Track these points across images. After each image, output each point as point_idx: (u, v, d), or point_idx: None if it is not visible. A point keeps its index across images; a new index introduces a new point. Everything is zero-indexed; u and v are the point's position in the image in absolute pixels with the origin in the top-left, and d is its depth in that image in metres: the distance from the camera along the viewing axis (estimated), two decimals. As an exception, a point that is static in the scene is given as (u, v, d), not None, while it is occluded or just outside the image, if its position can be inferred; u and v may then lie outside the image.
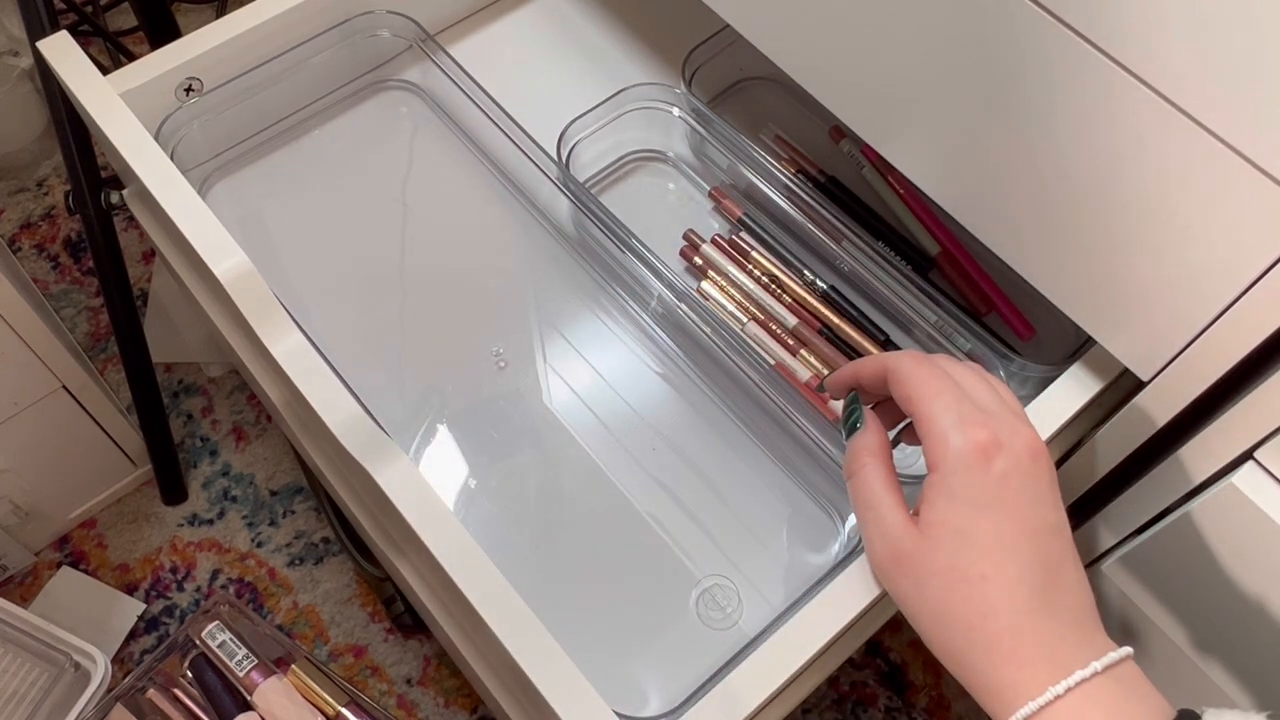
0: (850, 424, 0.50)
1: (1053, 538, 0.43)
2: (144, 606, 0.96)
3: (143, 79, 0.64)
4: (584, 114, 0.67)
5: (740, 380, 0.61)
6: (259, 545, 0.99)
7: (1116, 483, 0.59)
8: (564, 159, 0.66)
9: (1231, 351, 0.47)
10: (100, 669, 0.83)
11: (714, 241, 0.66)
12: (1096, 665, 0.40)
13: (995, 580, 0.42)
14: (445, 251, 0.68)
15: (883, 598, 0.50)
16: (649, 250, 0.62)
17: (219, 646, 0.77)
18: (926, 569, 0.44)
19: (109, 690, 0.82)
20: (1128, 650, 0.42)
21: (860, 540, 0.54)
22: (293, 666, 0.77)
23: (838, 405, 0.59)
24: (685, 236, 0.67)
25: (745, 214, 0.67)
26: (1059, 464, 0.62)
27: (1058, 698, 0.40)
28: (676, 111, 0.69)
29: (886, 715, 0.90)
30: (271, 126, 0.72)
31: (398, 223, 0.69)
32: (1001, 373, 0.59)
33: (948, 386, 0.45)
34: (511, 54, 0.77)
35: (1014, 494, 0.43)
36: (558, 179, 0.66)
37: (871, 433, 0.48)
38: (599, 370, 0.63)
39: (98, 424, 0.93)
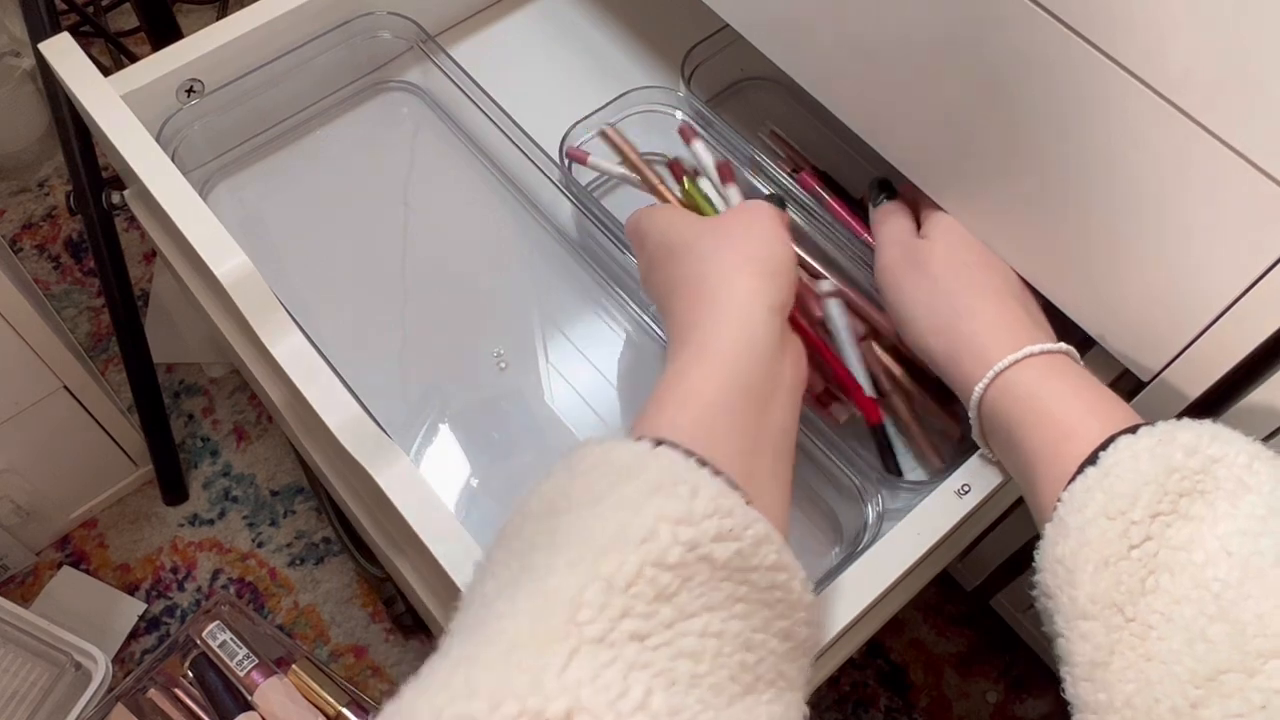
0: (878, 199, 0.61)
1: (1006, 267, 0.55)
2: (145, 606, 0.96)
3: (144, 80, 0.64)
4: (586, 117, 0.67)
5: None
6: (260, 545, 0.99)
7: (1117, 483, 0.59)
8: (566, 162, 0.66)
9: (1231, 352, 0.47)
10: (101, 669, 0.83)
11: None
12: (1066, 345, 0.49)
13: (979, 268, 0.53)
14: (446, 252, 0.68)
15: (883, 598, 0.50)
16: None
17: (220, 646, 0.77)
18: (928, 258, 0.54)
19: (110, 690, 0.82)
20: (1068, 347, 0.50)
21: (861, 542, 0.54)
22: (293, 666, 0.77)
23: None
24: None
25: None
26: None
27: (1037, 353, 0.48)
28: (679, 114, 0.69)
29: (887, 715, 0.90)
30: (273, 127, 0.72)
31: (399, 224, 0.69)
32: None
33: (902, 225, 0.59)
34: (512, 55, 0.77)
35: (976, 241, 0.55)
36: (560, 181, 0.66)
37: (898, 204, 0.60)
38: (601, 370, 0.64)
39: (98, 424, 0.93)
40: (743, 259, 0.49)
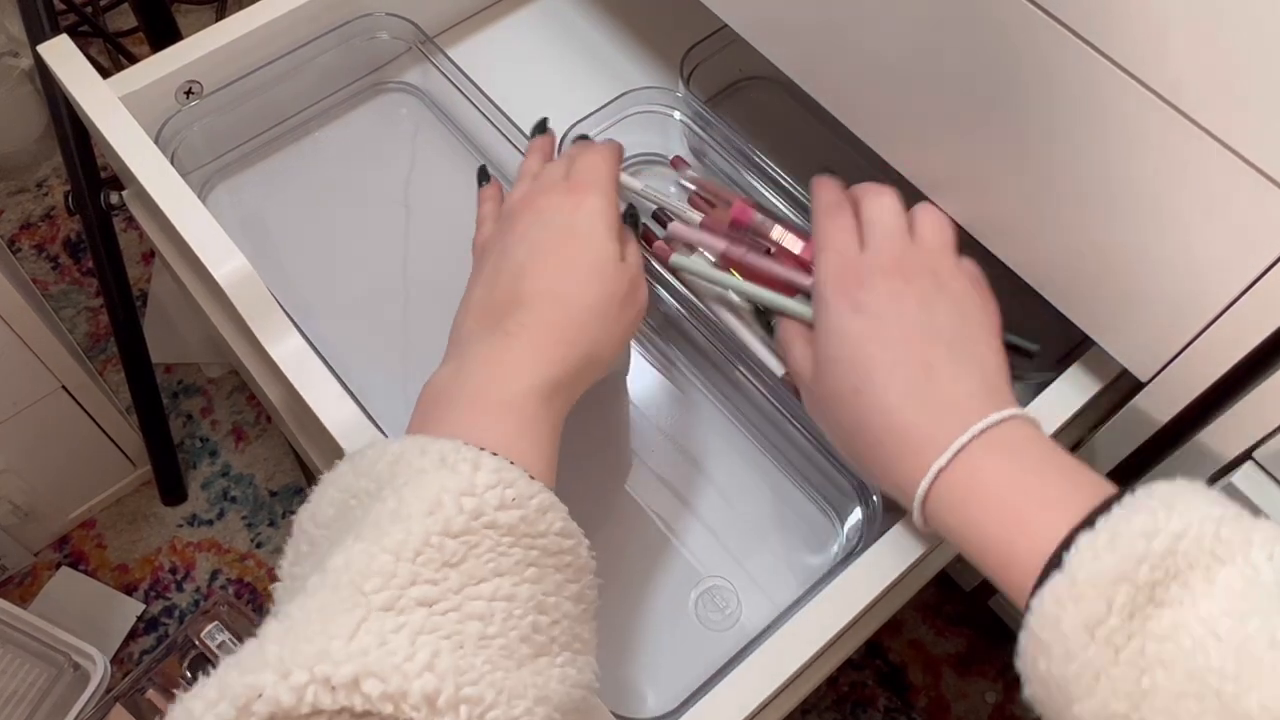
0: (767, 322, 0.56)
1: (923, 342, 0.47)
2: (143, 607, 0.96)
3: (143, 82, 0.64)
4: (584, 118, 0.67)
5: (740, 382, 0.61)
6: (258, 546, 0.99)
7: (1116, 483, 0.59)
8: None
9: (1231, 351, 0.47)
10: (99, 669, 0.83)
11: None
12: (975, 429, 0.44)
13: (866, 390, 0.47)
14: (445, 253, 0.68)
15: (881, 598, 0.50)
16: (650, 252, 0.62)
17: (218, 647, 0.77)
18: (822, 400, 0.50)
19: (108, 690, 0.82)
20: (1013, 411, 0.45)
21: (860, 541, 0.54)
22: (293, 667, 0.77)
23: None
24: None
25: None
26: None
27: (942, 469, 0.44)
28: (678, 115, 0.69)
29: (886, 715, 0.90)
30: (272, 129, 0.72)
31: (398, 225, 0.69)
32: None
33: (838, 240, 0.52)
34: (511, 56, 0.77)
35: (869, 320, 0.48)
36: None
37: (788, 323, 0.54)
38: (599, 371, 0.64)
39: (97, 424, 0.93)
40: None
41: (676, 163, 0.69)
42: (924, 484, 0.44)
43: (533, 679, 0.37)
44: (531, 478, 0.41)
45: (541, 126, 0.62)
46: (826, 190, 0.55)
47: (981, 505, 0.43)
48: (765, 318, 0.58)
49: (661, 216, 0.64)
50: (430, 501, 0.38)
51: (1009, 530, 0.42)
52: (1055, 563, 0.39)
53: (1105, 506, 0.40)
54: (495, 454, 0.41)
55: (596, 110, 0.68)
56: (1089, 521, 0.40)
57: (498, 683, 0.36)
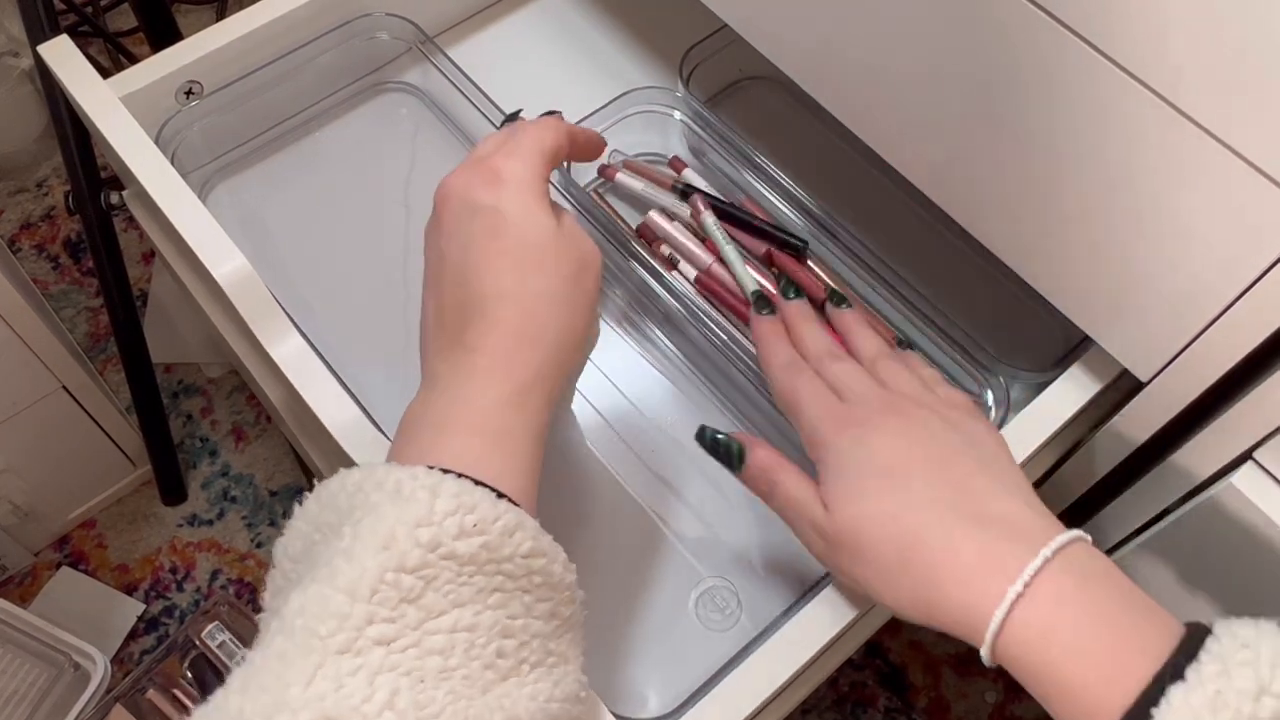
0: (730, 457, 0.50)
1: (946, 462, 0.44)
2: (143, 607, 0.96)
3: (143, 82, 0.64)
4: (584, 118, 0.67)
5: (739, 382, 0.61)
6: (259, 545, 0.99)
7: (1116, 483, 0.59)
8: (565, 163, 0.66)
9: (1231, 352, 0.47)
10: (99, 669, 0.83)
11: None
12: (1047, 553, 0.39)
13: (901, 521, 0.43)
14: (445, 253, 0.68)
15: (882, 599, 0.50)
16: (649, 253, 0.63)
17: (218, 647, 0.77)
18: (849, 542, 0.44)
19: (108, 690, 0.82)
20: (1072, 535, 0.41)
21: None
22: (293, 667, 0.77)
23: None
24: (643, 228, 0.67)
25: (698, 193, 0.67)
26: (1057, 465, 0.62)
27: (1019, 596, 0.39)
28: (678, 115, 0.69)
29: (886, 716, 0.90)
30: (272, 129, 0.72)
31: (398, 225, 0.69)
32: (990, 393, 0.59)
33: (809, 391, 0.49)
34: (511, 56, 0.77)
35: (882, 448, 0.45)
36: (558, 182, 0.66)
37: (761, 448, 0.50)
38: (601, 370, 0.64)
39: (97, 424, 0.93)
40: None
41: (675, 164, 0.69)
42: (999, 613, 0.39)
43: (499, 703, 0.37)
44: (500, 496, 0.39)
45: (513, 117, 0.61)
46: (777, 349, 0.53)
47: (1062, 642, 0.38)
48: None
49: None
50: (384, 536, 0.37)
51: (1093, 674, 0.38)
52: (1143, 716, 0.36)
53: (1189, 650, 0.37)
54: (461, 476, 0.39)
55: (596, 110, 0.68)
56: (1177, 671, 0.36)
57: (460, 712, 0.35)
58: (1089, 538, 0.41)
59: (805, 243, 0.64)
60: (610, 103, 0.68)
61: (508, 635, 0.38)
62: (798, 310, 0.56)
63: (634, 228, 0.66)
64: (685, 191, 0.66)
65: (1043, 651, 0.38)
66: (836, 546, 0.45)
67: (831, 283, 0.64)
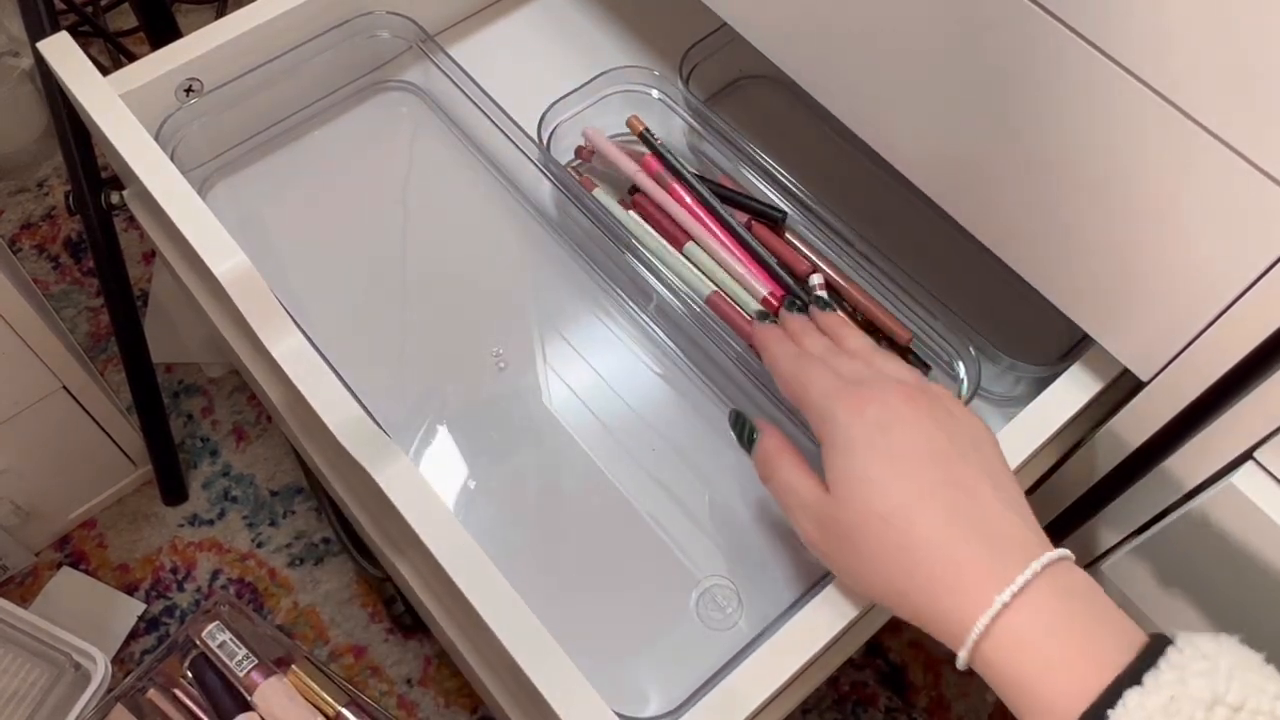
0: (747, 437, 0.52)
1: (955, 462, 0.44)
2: (144, 607, 0.96)
3: (143, 80, 0.64)
4: (561, 98, 0.68)
5: (740, 380, 0.61)
6: (259, 545, 0.99)
7: (1116, 483, 0.59)
8: (546, 139, 0.67)
9: (1231, 351, 0.47)
10: (100, 669, 0.83)
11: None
12: (1036, 567, 0.40)
13: (907, 513, 0.43)
14: (445, 252, 0.68)
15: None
16: (649, 253, 0.62)
17: (219, 647, 0.77)
18: (846, 524, 0.45)
19: (109, 690, 0.82)
20: (1060, 553, 0.42)
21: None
22: (293, 667, 0.77)
23: None
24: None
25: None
26: (1058, 465, 0.62)
27: (1005, 606, 0.40)
28: (655, 94, 0.70)
29: (886, 715, 0.90)
30: (272, 127, 0.72)
31: (398, 223, 0.69)
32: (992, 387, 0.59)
33: (817, 373, 0.49)
34: (512, 54, 0.77)
35: (897, 434, 0.45)
36: (559, 181, 0.67)
37: (771, 435, 0.51)
38: (599, 371, 0.63)
39: (98, 424, 0.93)
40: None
41: (632, 122, 0.70)
42: (984, 619, 0.40)
43: None
44: None
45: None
46: (782, 345, 0.53)
47: (1037, 650, 0.40)
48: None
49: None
50: None
51: (1059, 681, 0.39)
52: (1097, 717, 0.37)
53: (1149, 659, 0.38)
54: None
55: (574, 90, 0.69)
56: (1134, 677, 0.37)
57: None
58: (1073, 556, 0.42)
59: (784, 214, 0.65)
60: (588, 83, 0.69)
61: None
62: (800, 321, 0.57)
63: (630, 230, 0.66)
64: (651, 144, 0.67)
65: (1017, 659, 0.40)
66: (831, 528, 0.45)
67: (812, 255, 0.64)
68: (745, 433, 0.52)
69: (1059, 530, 0.65)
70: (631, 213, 0.66)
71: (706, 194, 0.65)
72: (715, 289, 0.63)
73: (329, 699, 0.75)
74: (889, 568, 0.43)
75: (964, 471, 0.44)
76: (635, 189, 0.66)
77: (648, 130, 0.68)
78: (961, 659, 0.41)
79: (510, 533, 0.59)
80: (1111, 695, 0.37)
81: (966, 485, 0.44)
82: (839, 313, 0.59)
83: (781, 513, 0.50)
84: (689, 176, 0.65)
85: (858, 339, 0.54)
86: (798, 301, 0.60)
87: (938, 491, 0.43)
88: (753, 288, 0.62)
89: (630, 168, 0.66)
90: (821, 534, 0.46)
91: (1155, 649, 0.39)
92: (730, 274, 0.63)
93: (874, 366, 0.50)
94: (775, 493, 0.49)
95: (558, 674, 0.46)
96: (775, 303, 0.61)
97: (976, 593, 0.41)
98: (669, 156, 0.66)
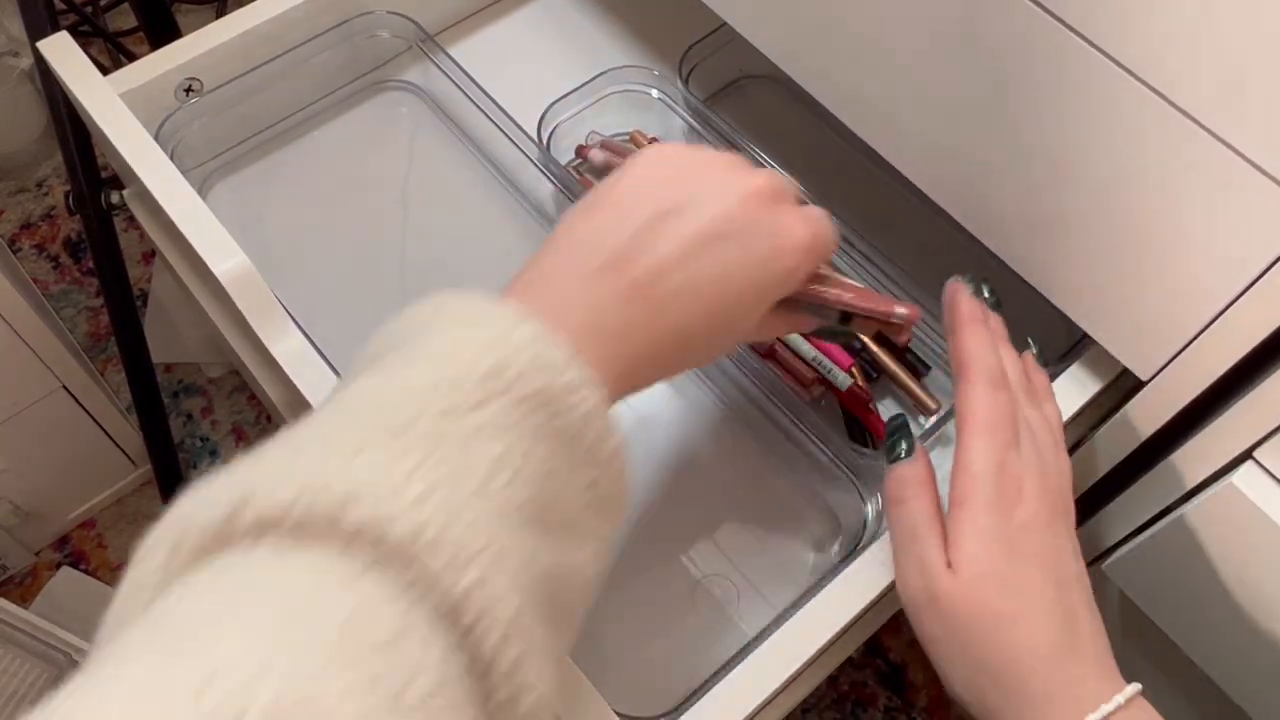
0: (895, 451, 0.49)
1: (1073, 586, 0.45)
2: (144, 607, 0.96)
3: (143, 79, 0.64)
4: (561, 98, 0.68)
5: (740, 380, 0.61)
6: (259, 545, 0.99)
7: (1116, 482, 0.59)
8: (546, 139, 0.67)
9: (1231, 351, 0.47)
10: (100, 669, 0.83)
11: None
12: (1120, 699, 0.42)
13: (1024, 624, 0.43)
14: (445, 252, 0.68)
15: (882, 598, 0.50)
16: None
17: (219, 647, 0.77)
18: (958, 607, 0.44)
19: (109, 690, 0.82)
20: (1138, 686, 0.43)
21: (860, 540, 0.54)
22: (293, 666, 0.77)
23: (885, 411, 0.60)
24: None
25: None
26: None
27: None
28: (654, 93, 0.70)
29: (886, 715, 0.90)
30: (271, 127, 0.72)
31: (398, 223, 0.69)
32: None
33: (1002, 428, 0.46)
34: (512, 55, 0.77)
35: (1036, 544, 0.44)
36: (559, 180, 0.67)
37: (921, 463, 0.48)
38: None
39: (98, 424, 0.93)
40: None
41: (636, 137, 0.69)
42: None
43: (530, 544, 0.35)
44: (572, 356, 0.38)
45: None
46: (990, 356, 0.48)
47: None
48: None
49: None
50: (452, 345, 0.36)
51: None
52: None
53: None
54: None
55: (573, 90, 0.69)
56: None
57: (488, 534, 0.33)
58: (1141, 688, 0.44)
59: None
60: (588, 83, 0.69)
61: (546, 490, 0.36)
62: (1000, 326, 0.51)
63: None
64: None
65: None
66: (938, 611, 0.45)
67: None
68: (898, 442, 0.49)
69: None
70: None
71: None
72: None
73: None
74: (984, 669, 0.44)
75: (1076, 596, 0.45)
76: None
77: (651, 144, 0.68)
78: None
79: (510, 532, 0.59)
80: None
81: (1076, 613, 0.44)
82: (1046, 373, 0.53)
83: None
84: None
85: (1054, 406, 0.51)
86: (993, 294, 0.52)
87: (1053, 612, 0.44)
88: None
89: None
90: (928, 603, 0.45)
91: None
92: None
93: (1044, 457, 0.47)
94: (895, 524, 0.47)
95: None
96: None
97: (1064, 715, 0.42)
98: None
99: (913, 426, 0.50)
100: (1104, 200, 0.47)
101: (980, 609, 0.43)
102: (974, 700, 0.44)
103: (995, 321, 0.51)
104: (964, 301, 0.49)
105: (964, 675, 0.45)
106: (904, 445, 0.49)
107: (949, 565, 0.44)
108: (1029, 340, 0.53)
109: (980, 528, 0.44)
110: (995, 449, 0.45)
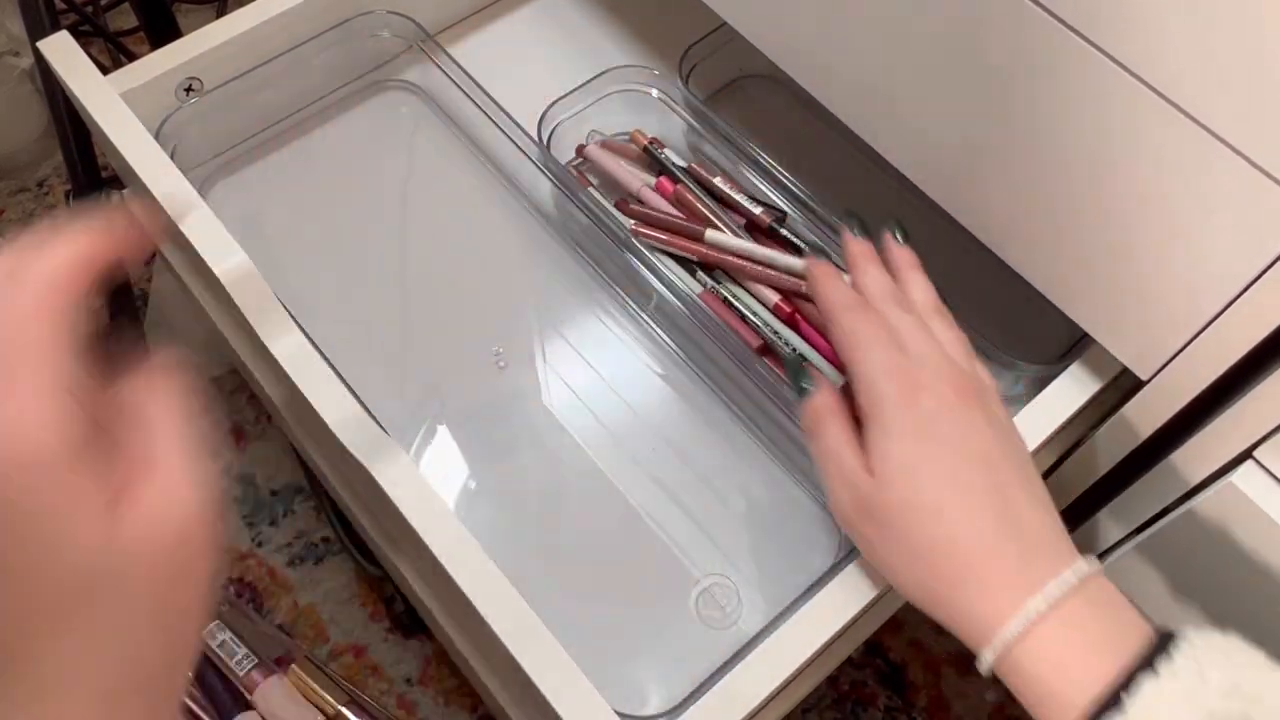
0: (799, 386, 0.50)
1: (999, 463, 0.44)
2: (144, 606, 0.96)
3: (143, 79, 0.64)
4: (561, 98, 0.68)
5: (738, 379, 0.61)
6: (259, 545, 0.99)
7: (1116, 482, 0.59)
8: (546, 139, 0.67)
9: (1231, 351, 0.47)
10: (100, 669, 0.82)
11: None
12: (1070, 576, 0.41)
13: (951, 510, 0.43)
14: (445, 251, 0.68)
15: (882, 598, 0.50)
16: (648, 252, 0.63)
17: (219, 646, 0.77)
18: (885, 510, 0.44)
19: (109, 690, 0.82)
20: (1095, 562, 0.42)
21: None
22: (293, 666, 0.77)
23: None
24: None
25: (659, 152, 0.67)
26: (1058, 463, 0.62)
27: (1040, 615, 0.41)
28: (654, 93, 0.70)
29: (886, 715, 0.90)
30: (272, 126, 0.72)
31: (398, 223, 0.69)
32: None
33: (879, 339, 0.47)
34: (512, 54, 0.77)
35: (946, 428, 0.44)
36: (559, 179, 0.67)
37: (825, 391, 0.49)
38: (599, 370, 0.63)
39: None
40: None
41: (636, 137, 0.69)
42: (1016, 625, 0.41)
43: None
44: None
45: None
46: (837, 288, 0.50)
47: (1064, 655, 0.40)
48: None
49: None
50: None
51: (1082, 679, 0.40)
52: (1115, 703, 0.38)
53: (1164, 648, 0.39)
54: None
55: (573, 90, 0.69)
56: (1149, 664, 0.38)
57: None
58: (1100, 565, 0.43)
59: (784, 213, 0.65)
60: (588, 82, 0.69)
61: None
62: (864, 249, 0.53)
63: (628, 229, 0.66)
64: (655, 158, 0.67)
65: (1044, 663, 0.41)
66: (868, 509, 0.45)
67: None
68: (799, 381, 0.50)
69: (1059, 530, 0.65)
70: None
71: (722, 215, 0.64)
72: (709, 288, 0.63)
73: (329, 698, 0.75)
74: (923, 561, 0.44)
75: (1005, 475, 0.44)
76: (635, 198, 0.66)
77: (652, 145, 0.67)
78: (987, 660, 0.42)
79: (510, 531, 0.59)
80: (1127, 681, 0.38)
81: (1007, 489, 0.44)
82: (912, 253, 0.54)
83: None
84: (699, 192, 0.65)
85: (923, 290, 0.51)
86: (859, 223, 0.54)
87: (980, 492, 0.43)
88: (764, 296, 0.62)
89: (634, 184, 0.66)
90: (856, 511, 0.46)
91: (1168, 640, 0.39)
92: (742, 285, 0.63)
93: (934, 338, 0.48)
94: (817, 454, 0.48)
95: (558, 672, 0.46)
96: (786, 309, 0.61)
97: (1009, 597, 0.41)
98: (676, 173, 0.66)
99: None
100: (1103, 200, 0.47)
101: (905, 502, 0.44)
102: (924, 598, 0.44)
103: (904, 252, 0.53)
104: (836, 291, 0.50)
105: (908, 576, 0.44)
106: (805, 379, 0.50)
107: (870, 472, 0.45)
108: (894, 221, 0.55)
109: (888, 426, 0.45)
110: (880, 358, 0.46)
